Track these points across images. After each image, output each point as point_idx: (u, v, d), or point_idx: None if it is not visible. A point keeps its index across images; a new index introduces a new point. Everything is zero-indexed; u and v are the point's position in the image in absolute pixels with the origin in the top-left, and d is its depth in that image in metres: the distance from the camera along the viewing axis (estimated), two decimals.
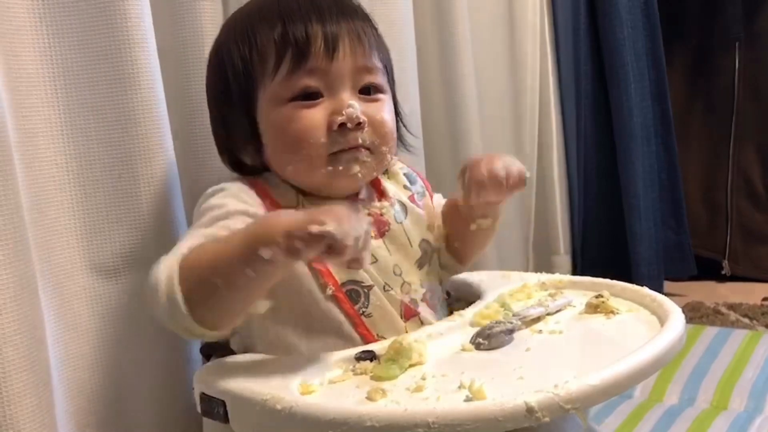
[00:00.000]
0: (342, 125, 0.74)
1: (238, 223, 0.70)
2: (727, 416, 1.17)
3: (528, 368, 0.64)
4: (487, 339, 0.70)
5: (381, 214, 0.80)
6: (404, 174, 0.86)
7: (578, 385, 0.57)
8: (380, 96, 0.78)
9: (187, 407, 0.85)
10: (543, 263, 1.58)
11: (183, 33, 0.92)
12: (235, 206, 0.73)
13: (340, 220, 0.58)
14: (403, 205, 0.83)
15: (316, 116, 0.74)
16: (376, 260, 0.77)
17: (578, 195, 1.61)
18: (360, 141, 0.75)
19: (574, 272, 1.60)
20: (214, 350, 0.83)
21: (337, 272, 0.74)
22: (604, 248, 1.68)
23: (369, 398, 0.61)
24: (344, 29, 0.75)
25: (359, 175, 0.76)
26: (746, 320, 1.59)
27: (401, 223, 0.81)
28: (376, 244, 0.78)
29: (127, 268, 0.83)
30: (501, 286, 0.84)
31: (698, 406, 1.22)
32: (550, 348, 0.70)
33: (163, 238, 0.84)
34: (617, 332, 0.72)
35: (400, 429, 0.55)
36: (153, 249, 0.83)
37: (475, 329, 0.73)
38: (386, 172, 0.85)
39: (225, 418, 0.66)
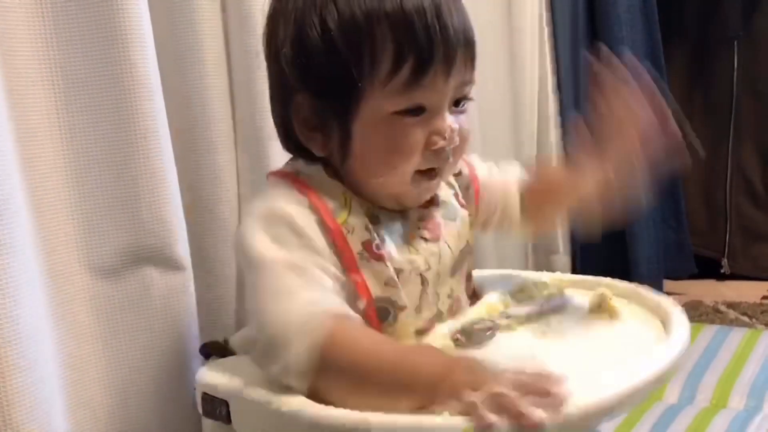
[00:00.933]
0: (441, 148, 0.70)
1: (321, 243, 0.68)
2: (726, 414, 1.17)
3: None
4: (467, 336, 0.70)
5: (432, 217, 0.76)
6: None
7: (587, 402, 0.56)
8: (467, 105, 0.74)
9: (187, 407, 0.84)
10: (542, 263, 1.57)
11: (181, 32, 0.91)
12: (307, 219, 0.69)
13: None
14: (453, 207, 0.79)
15: (417, 134, 0.69)
16: (429, 267, 0.74)
17: None
18: (449, 158, 0.71)
19: (574, 272, 1.60)
20: (215, 350, 0.83)
21: (373, 285, 0.70)
22: (603, 247, 1.67)
23: None
24: (462, 38, 0.69)
25: (427, 197, 0.75)
26: (745, 318, 1.59)
27: (450, 223, 0.78)
28: (431, 248, 0.75)
29: (126, 269, 0.82)
30: (501, 286, 0.83)
31: (698, 405, 1.22)
32: (556, 356, 0.68)
33: (162, 238, 0.83)
34: (622, 338, 0.71)
35: None
36: (152, 249, 0.83)
37: (462, 326, 0.72)
38: None
39: (228, 419, 0.65)
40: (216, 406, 0.66)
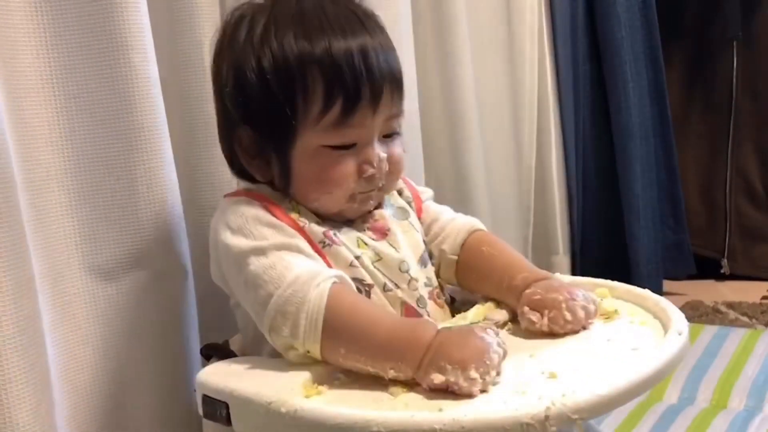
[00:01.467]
0: (371, 175, 0.76)
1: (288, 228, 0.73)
2: (726, 415, 1.17)
3: (532, 375, 0.63)
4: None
5: (377, 220, 0.80)
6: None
7: (585, 396, 0.56)
8: (397, 133, 0.80)
9: (187, 409, 0.85)
10: (542, 263, 1.57)
11: (180, 35, 0.92)
12: (267, 215, 0.74)
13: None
14: (402, 208, 0.84)
15: (349, 165, 0.75)
16: (380, 258, 0.77)
17: (577, 195, 1.61)
18: (380, 185, 0.78)
19: (574, 272, 1.60)
20: (215, 351, 0.83)
21: (339, 268, 0.74)
22: (603, 248, 1.68)
23: (391, 393, 0.62)
24: (386, 74, 0.75)
25: (370, 208, 0.80)
26: (745, 319, 1.59)
27: (402, 221, 0.82)
28: (379, 244, 0.78)
29: (126, 270, 0.82)
30: None
31: (698, 405, 1.22)
32: (554, 354, 0.68)
33: (162, 240, 0.84)
34: (620, 337, 0.71)
35: None
36: (152, 251, 0.83)
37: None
38: None
39: (227, 421, 0.65)
40: (216, 408, 0.66)
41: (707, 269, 1.86)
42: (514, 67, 1.47)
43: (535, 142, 1.52)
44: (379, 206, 0.82)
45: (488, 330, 0.64)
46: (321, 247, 0.74)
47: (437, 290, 0.81)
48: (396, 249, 0.79)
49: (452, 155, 1.34)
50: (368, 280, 0.75)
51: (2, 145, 0.68)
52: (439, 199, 0.92)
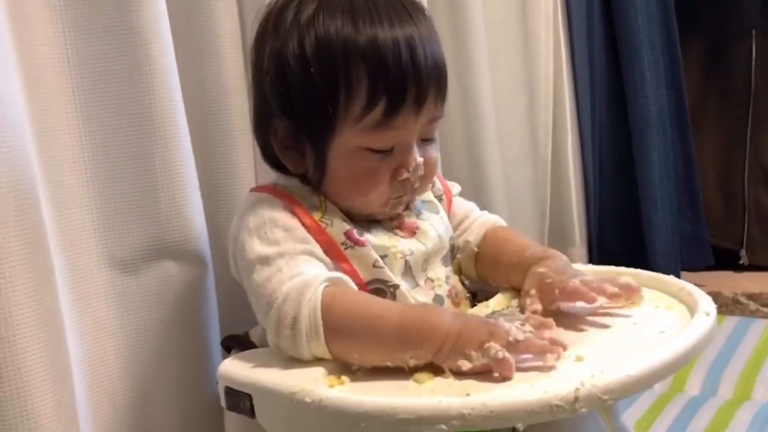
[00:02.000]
0: (406, 179, 0.75)
1: (303, 233, 0.72)
2: (750, 406, 1.16)
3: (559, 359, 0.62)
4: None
5: (402, 219, 0.79)
6: None
7: (616, 375, 0.55)
8: (435, 135, 0.78)
9: (208, 401, 0.84)
10: None
11: (198, 27, 0.91)
12: (288, 217, 0.73)
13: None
14: (432, 203, 0.83)
15: (384, 167, 0.74)
16: (412, 252, 0.76)
17: (594, 186, 1.60)
18: (415, 186, 0.76)
19: (590, 264, 1.59)
20: (235, 343, 0.82)
21: (361, 270, 0.74)
22: (620, 239, 1.67)
23: (416, 380, 0.61)
24: (433, 78, 0.72)
25: (401, 210, 0.79)
26: (766, 309, 1.57)
27: (428, 219, 0.81)
28: (408, 242, 0.77)
29: (146, 263, 0.82)
30: None
31: (721, 397, 1.21)
32: (579, 338, 0.68)
33: (182, 232, 0.83)
34: (646, 321, 0.71)
35: (435, 421, 0.54)
36: (171, 243, 0.83)
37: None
38: None
39: (251, 413, 0.65)
40: (239, 400, 0.66)
41: (725, 260, 1.84)
42: (529, 56, 1.46)
43: (550, 132, 1.51)
44: (407, 206, 0.81)
45: (501, 320, 0.64)
46: (343, 249, 0.73)
47: (455, 289, 0.80)
48: (424, 245, 0.78)
49: (468, 146, 1.33)
50: (394, 281, 0.74)
51: (21, 138, 0.68)
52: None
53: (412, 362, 0.62)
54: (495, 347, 0.60)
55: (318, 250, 0.72)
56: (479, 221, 0.86)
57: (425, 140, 0.76)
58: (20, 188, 0.67)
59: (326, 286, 0.66)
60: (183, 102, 0.83)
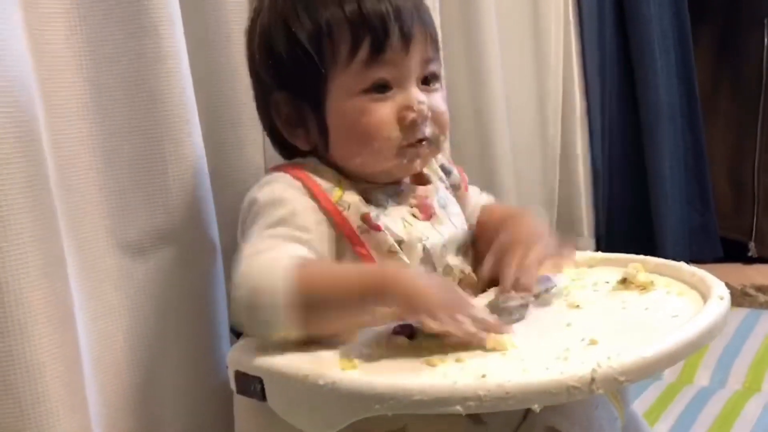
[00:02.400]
0: (413, 120, 0.74)
1: (309, 221, 0.71)
2: (760, 398, 1.16)
3: (572, 342, 0.62)
4: (500, 313, 0.69)
5: (425, 197, 0.79)
6: (440, 165, 0.86)
7: (632, 357, 0.55)
8: (438, 85, 0.78)
9: (218, 385, 0.84)
10: None
11: (207, 11, 0.90)
12: (300, 201, 0.72)
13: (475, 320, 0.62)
14: (445, 194, 0.83)
15: (386, 110, 0.74)
16: (428, 238, 0.76)
17: (603, 176, 1.59)
18: (428, 133, 0.75)
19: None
20: None
21: (377, 255, 0.73)
22: (628, 230, 1.66)
23: (428, 363, 0.60)
24: (417, 23, 0.74)
25: (418, 168, 0.78)
26: None
27: (445, 207, 0.81)
28: (424, 225, 0.77)
29: (156, 247, 0.82)
30: None
31: (730, 388, 1.21)
32: (591, 323, 0.68)
33: (192, 216, 0.83)
34: (658, 306, 0.70)
35: (451, 403, 0.53)
36: (181, 227, 0.82)
37: (488, 304, 0.71)
38: None
39: (262, 396, 0.64)
40: (250, 384, 0.65)
41: (734, 252, 1.83)
42: (539, 45, 1.45)
43: (560, 122, 1.51)
44: (427, 181, 0.82)
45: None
46: (359, 233, 0.73)
47: (468, 279, 0.79)
48: (440, 233, 0.78)
49: (478, 135, 1.32)
50: (413, 267, 0.73)
51: (32, 123, 0.67)
52: None
53: (378, 314, 0.63)
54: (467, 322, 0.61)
55: (317, 241, 0.71)
56: (474, 203, 0.88)
57: (427, 86, 0.76)
58: (31, 172, 0.66)
59: (295, 266, 0.65)
60: (192, 86, 0.83)
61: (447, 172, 0.86)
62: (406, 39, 0.73)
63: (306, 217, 0.71)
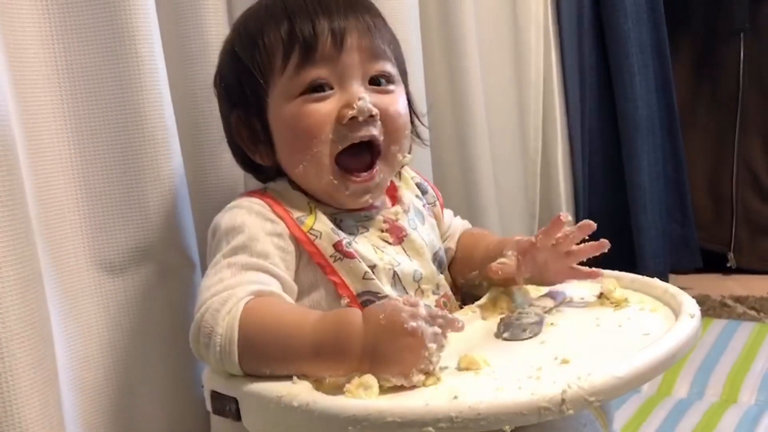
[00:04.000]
0: (353, 118, 0.72)
1: (269, 247, 0.70)
2: (737, 409, 1.16)
3: (545, 361, 0.63)
4: (513, 329, 0.70)
5: (396, 220, 0.79)
6: (416, 183, 0.86)
7: (602, 377, 0.56)
8: (392, 87, 0.76)
9: (196, 404, 0.84)
10: None
11: (187, 30, 0.91)
12: (261, 226, 0.72)
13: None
14: (419, 212, 0.83)
15: (326, 109, 0.73)
16: (399, 263, 0.76)
17: (583, 188, 1.60)
18: (375, 133, 0.73)
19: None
20: None
21: (351, 282, 0.73)
22: (609, 241, 1.67)
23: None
24: (352, 22, 0.74)
25: (369, 201, 0.76)
26: (753, 313, 1.58)
27: (416, 229, 0.80)
28: (395, 250, 0.77)
29: (134, 265, 0.82)
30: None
31: (708, 400, 1.21)
32: (565, 340, 0.68)
33: (170, 233, 0.83)
34: (631, 323, 0.71)
35: (423, 424, 0.53)
36: (160, 244, 0.82)
37: (502, 319, 0.72)
38: (399, 176, 0.84)
39: (237, 416, 0.64)
40: (225, 404, 0.65)
41: (713, 263, 1.84)
42: (519, 59, 1.46)
43: (540, 134, 1.52)
44: (399, 201, 0.81)
45: (415, 310, 0.60)
46: (332, 261, 0.72)
47: (444, 298, 0.80)
48: (410, 257, 0.77)
49: (459, 148, 1.33)
50: (384, 292, 0.73)
51: (8, 138, 0.67)
52: (445, 192, 0.93)
53: (329, 380, 0.61)
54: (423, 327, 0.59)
55: (279, 266, 0.70)
56: (454, 226, 0.88)
57: (377, 86, 0.75)
58: (7, 188, 0.66)
59: (249, 300, 0.64)
60: (172, 103, 0.83)
61: (423, 191, 0.86)
62: (338, 36, 0.73)
63: (265, 243, 0.71)
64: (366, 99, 0.72)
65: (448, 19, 1.29)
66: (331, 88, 0.73)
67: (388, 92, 0.76)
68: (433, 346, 0.59)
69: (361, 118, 0.72)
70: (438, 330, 0.59)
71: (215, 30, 0.91)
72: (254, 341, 0.63)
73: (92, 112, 0.79)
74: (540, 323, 0.70)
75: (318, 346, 0.61)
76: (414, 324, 0.58)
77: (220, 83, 0.80)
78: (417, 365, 0.58)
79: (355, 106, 0.72)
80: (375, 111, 0.73)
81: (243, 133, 0.79)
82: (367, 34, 0.74)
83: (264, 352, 0.63)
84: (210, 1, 0.91)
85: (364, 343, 0.60)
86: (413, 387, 0.59)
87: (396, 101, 0.76)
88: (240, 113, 0.78)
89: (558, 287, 0.80)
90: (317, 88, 0.73)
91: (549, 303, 0.76)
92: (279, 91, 0.74)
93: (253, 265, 0.69)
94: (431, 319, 0.60)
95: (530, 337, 0.69)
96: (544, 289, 0.80)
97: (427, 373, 0.59)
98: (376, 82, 0.75)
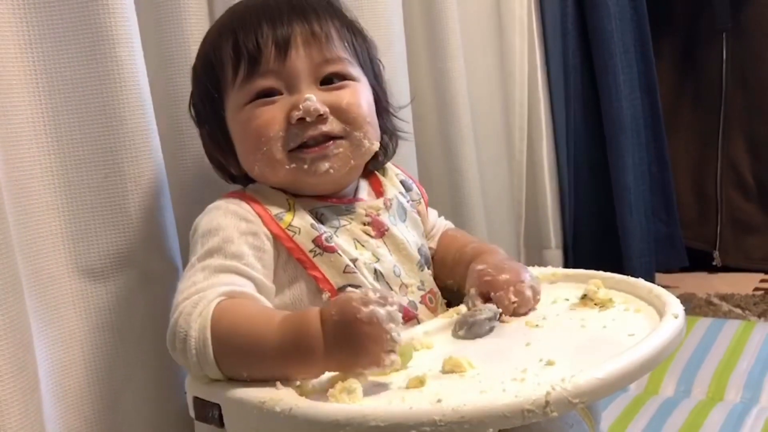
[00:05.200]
0: (301, 119, 0.73)
1: (244, 247, 0.70)
2: (723, 407, 1.17)
3: (529, 362, 0.62)
4: (468, 327, 0.70)
5: (377, 215, 0.79)
6: (401, 180, 0.86)
7: (586, 379, 0.55)
8: (346, 83, 0.77)
9: (179, 410, 0.83)
10: (534, 258, 1.57)
11: (168, 34, 0.90)
12: (236, 226, 0.72)
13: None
14: (402, 208, 0.83)
15: (275, 112, 0.75)
16: (378, 259, 0.76)
17: (569, 189, 1.60)
18: (326, 130, 0.74)
19: (566, 266, 1.60)
20: None
21: (332, 276, 0.73)
22: (595, 242, 1.67)
23: (408, 387, 0.60)
24: (297, 28, 0.75)
25: (331, 171, 0.75)
26: (738, 310, 1.59)
27: (396, 225, 0.80)
28: (376, 243, 0.77)
29: (116, 271, 0.81)
30: None
31: (694, 398, 1.22)
32: (550, 342, 0.68)
33: (152, 238, 0.83)
34: (616, 324, 0.71)
35: (406, 428, 0.53)
36: (142, 250, 0.82)
37: (458, 320, 0.72)
38: (384, 172, 0.85)
39: (220, 423, 0.64)
40: (208, 410, 0.65)
41: (699, 261, 1.85)
42: (504, 61, 1.47)
43: (525, 136, 1.52)
44: (383, 195, 0.81)
45: (366, 298, 0.59)
46: (312, 256, 0.73)
47: (430, 294, 0.80)
48: (390, 251, 0.78)
49: (444, 149, 1.33)
50: (367, 285, 0.74)
51: None
52: (431, 193, 0.93)
53: (299, 382, 0.61)
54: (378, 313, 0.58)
55: (255, 266, 0.70)
56: (438, 226, 0.88)
57: (329, 85, 0.76)
58: None
59: (220, 302, 0.65)
60: (153, 107, 0.82)
61: (407, 188, 0.86)
62: (282, 45, 0.74)
63: (240, 244, 0.71)
64: (312, 99, 0.73)
65: (431, 22, 1.29)
66: (281, 94, 0.75)
67: (340, 88, 0.76)
68: (392, 325, 0.59)
69: (308, 119, 0.73)
70: (392, 308, 0.59)
71: (197, 32, 0.90)
72: (227, 342, 0.63)
73: (72, 116, 0.78)
74: (495, 318, 0.71)
75: (282, 348, 0.61)
76: (366, 310, 0.58)
77: (192, 99, 0.83)
78: (383, 350, 0.58)
79: (301, 107, 0.73)
80: (323, 110, 0.74)
81: (215, 147, 0.81)
82: (314, 38, 0.76)
83: (238, 352, 0.63)
84: (192, 6, 0.90)
85: (324, 342, 0.60)
86: (394, 370, 0.59)
87: (351, 95, 0.76)
88: (207, 129, 0.82)
89: None
90: (266, 94, 0.75)
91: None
92: (232, 104, 0.77)
93: (226, 268, 0.69)
94: (383, 300, 0.59)
95: (488, 332, 0.70)
96: None
97: (396, 351, 0.59)
98: (328, 81, 0.77)
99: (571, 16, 1.58)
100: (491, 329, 0.71)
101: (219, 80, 0.77)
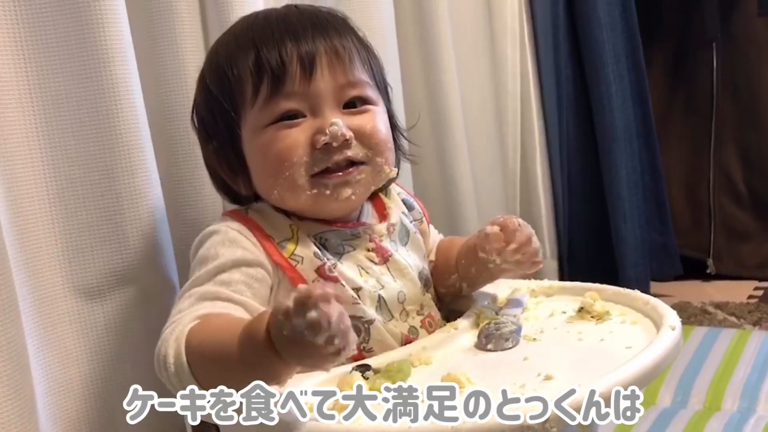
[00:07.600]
0: (326, 144, 0.72)
1: (236, 275, 0.69)
2: (720, 417, 1.17)
3: (528, 378, 0.63)
4: (493, 340, 0.70)
5: (380, 240, 0.78)
6: (402, 200, 0.85)
7: (584, 395, 0.55)
8: (368, 107, 0.76)
9: (180, 428, 0.83)
10: None
11: (162, 49, 0.90)
12: (232, 255, 0.70)
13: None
14: (405, 230, 0.82)
15: (298, 135, 0.72)
16: (383, 286, 0.75)
17: (562, 199, 1.61)
18: (351, 155, 0.73)
19: (561, 277, 1.60)
20: None
21: None
22: (590, 252, 1.68)
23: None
24: (321, 47, 0.73)
25: (353, 197, 0.74)
26: (733, 319, 1.59)
27: (398, 250, 0.79)
28: (380, 270, 0.76)
29: (113, 289, 0.81)
30: (489, 297, 0.83)
31: (691, 408, 1.22)
32: (548, 356, 0.69)
33: (149, 256, 0.83)
34: (613, 337, 0.72)
35: None
36: (138, 268, 0.82)
37: (480, 329, 0.72)
38: (387, 193, 0.84)
39: None
40: (206, 429, 0.65)
41: (693, 269, 1.86)
42: (496, 72, 1.47)
43: (519, 146, 1.52)
44: (387, 218, 0.80)
45: (287, 309, 0.53)
46: None
47: (428, 318, 0.79)
48: (394, 278, 0.77)
49: (439, 161, 1.33)
50: (367, 316, 0.73)
51: None
52: (426, 205, 0.92)
53: (275, 386, 0.58)
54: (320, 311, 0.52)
55: (244, 293, 0.69)
56: (435, 241, 0.88)
57: (353, 109, 0.74)
58: None
59: (194, 324, 0.64)
60: (148, 125, 0.82)
61: (409, 207, 0.85)
62: (307, 64, 0.72)
63: (231, 273, 0.70)
64: (339, 123, 0.72)
65: (424, 34, 1.30)
66: (304, 116, 0.73)
67: (363, 113, 0.75)
68: (318, 337, 0.52)
69: (335, 144, 0.72)
70: (314, 314, 0.52)
71: (192, 50, 0.90)
72: (200, 361, 0.62)
73: (67, 135, 0.78)
74: (518, 331, 0.71)
75: (243, 360, 0.58)
76: (289, 326, 0.53)
77: (195, 113, 0.80)
78: (320, 356, 0.54)
79: (328, 132, 0.72)
80: (349, 134, 0.72)
81: (222, 164, 0.78)
82: (338, 59, 0.74)
83: (211, 370, 0.61)
84: (185, 21, 0.90)
85: (276, 351, 0.55)
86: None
87: (372, 119, 0.75)
88: (215, 145, 0.78)
89: (517, 295, 0.81)
90: (288, 117, 0.73)
91: (516, 311, 0.77)
92: (251, 124, 0.74)
93: (210, 294, 0.68)
94: (322, 299, 0.53)
95: (512, 347, 0.69)
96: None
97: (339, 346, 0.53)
98: (350, 104, 0.75)
99: (563, 27, 1.59)
100: (515, 343, 0.70)
101: (235, 96, 0.74)
